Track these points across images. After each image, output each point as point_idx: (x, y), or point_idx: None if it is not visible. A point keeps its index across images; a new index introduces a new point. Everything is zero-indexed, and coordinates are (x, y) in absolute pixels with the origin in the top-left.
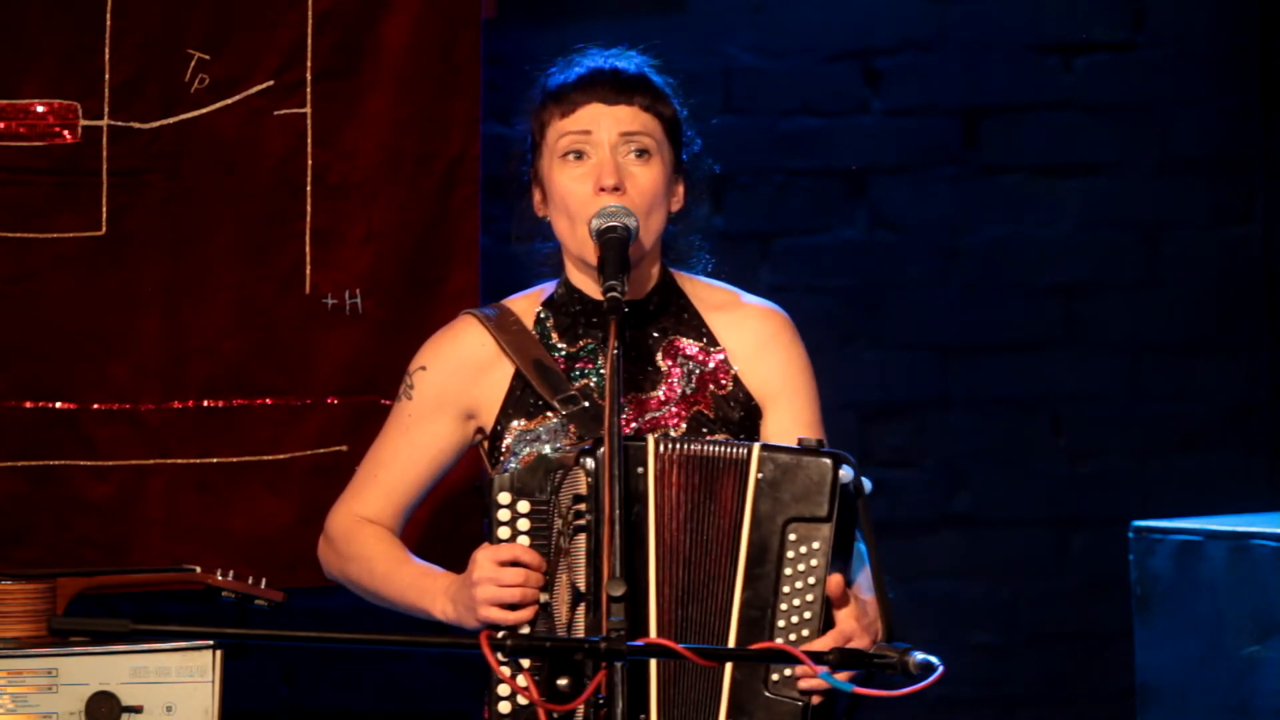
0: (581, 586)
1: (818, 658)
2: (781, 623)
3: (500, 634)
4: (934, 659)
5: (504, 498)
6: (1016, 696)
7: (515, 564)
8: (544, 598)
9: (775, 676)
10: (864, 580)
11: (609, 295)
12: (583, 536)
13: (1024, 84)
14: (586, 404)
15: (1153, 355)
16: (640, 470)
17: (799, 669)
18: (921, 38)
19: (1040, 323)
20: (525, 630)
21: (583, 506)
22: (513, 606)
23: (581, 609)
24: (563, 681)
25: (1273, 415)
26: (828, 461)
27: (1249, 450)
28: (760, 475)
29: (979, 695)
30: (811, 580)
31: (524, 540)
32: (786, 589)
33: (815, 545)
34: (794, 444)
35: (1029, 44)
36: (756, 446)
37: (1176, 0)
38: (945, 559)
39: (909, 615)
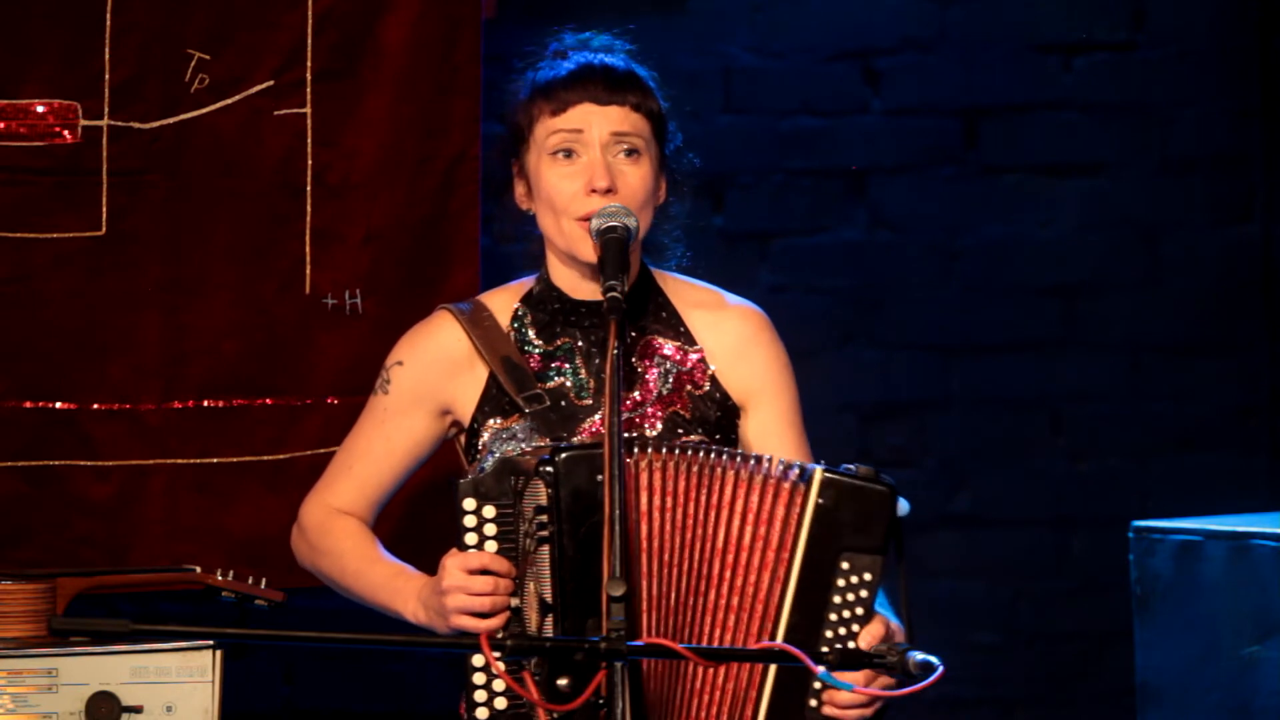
0: (548, 598)
1: (817, 657)
2: (825, 650)
3: (499, 634)
4: (934, 659)
5: (469, 503)
6: (1016, 696)
7: (484, 572)
8: (514, 602)
9: (813, 702)
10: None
11: (609, 295)
12: (546, 548)
13: (1024, 84)
14: (562, 403)
15: (1153, 355)
16: (599, 478)
17: (825, 696)
18: (921, 38)
19: (1040, 323)
20: (501, 634)
21: (545, 518)
22: (484, 614)
23: (550, 620)
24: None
25: (1273, 415)
26: (886, 492)
27: (1249, 450)
28: (821, 501)
29: (979, 695)
30: (860, 611)
31: (491, 545)
32: (833, 616)
33: (867, 577)
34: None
35: (1029, 44)
36: (819, 470)
37: (1176, 0)
38: (945, 559)
39: (909, 615)
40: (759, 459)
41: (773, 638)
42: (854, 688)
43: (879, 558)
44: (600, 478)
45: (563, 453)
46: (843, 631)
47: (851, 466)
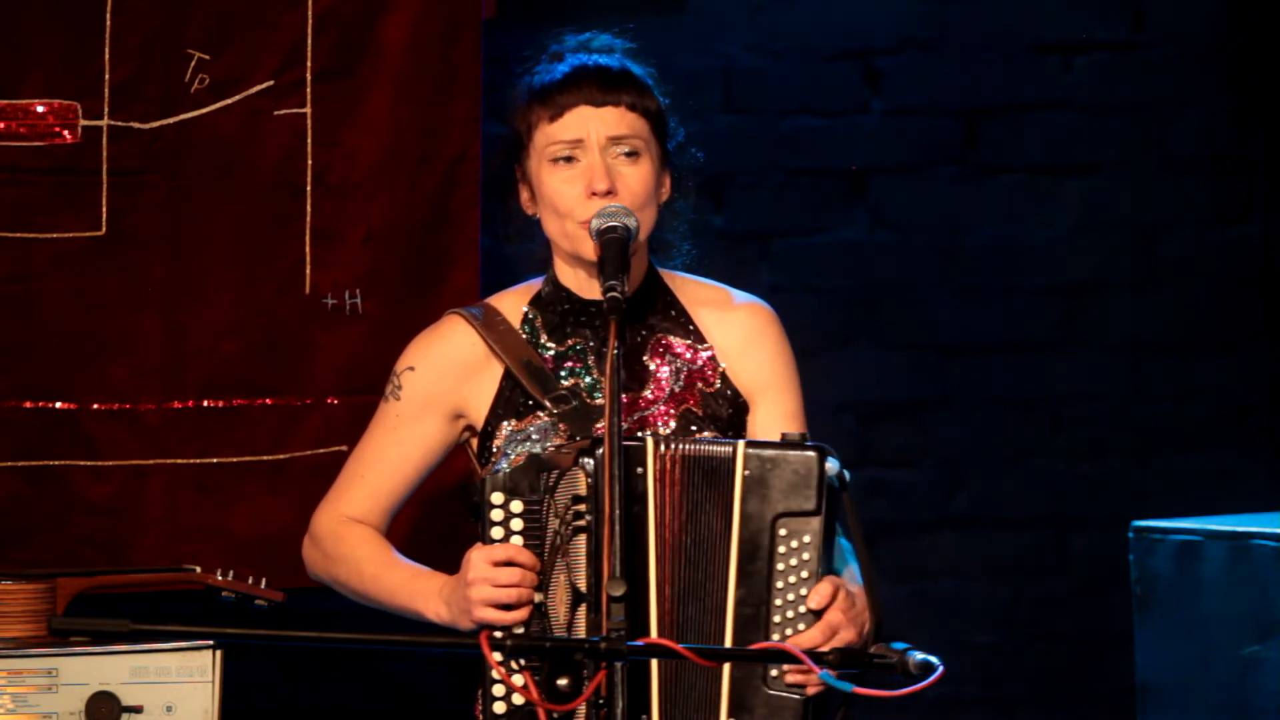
0: (582, 587)
1: (818, 658)
2: (777, 618)
3: (499, 633)
4: (934, 659)
5: (497, 498)
6: (1016, 696)
7: (510, 564)
8: (538, 598)
9: (774, 672)
10: (848, 572)
11: (609, 295)
12: (583, 538)
13: (1024, 84)
14: (576, 403)
15: (1153, 355)
16: (640, 470)
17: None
18: (921, 38)
19: (1040, 323)
20: (520, 630)
21: (582, 508)
22: (508, 607)
23: (582, 610)
24: (563, 681)
25: (1273, 415)
26: (813, 454)
27: (1249, 450)
28: (747, 472)
29: (979, 695)
30: (805, 574)
31: (517, 540)
32: (780, 584)
33: (806, 539)
34: (777, 438)
35: (1029, 44)
36: (741, 444)
37: (1176, 0)
38: (945, 559)
39: (909, 615)
40: (712, 442)
41: (724, 611)
42: (853, 688)
43: (815, 518)
44: (640, 469)
45: (602, 446)
46: (791, 596)
47: (787, 433)
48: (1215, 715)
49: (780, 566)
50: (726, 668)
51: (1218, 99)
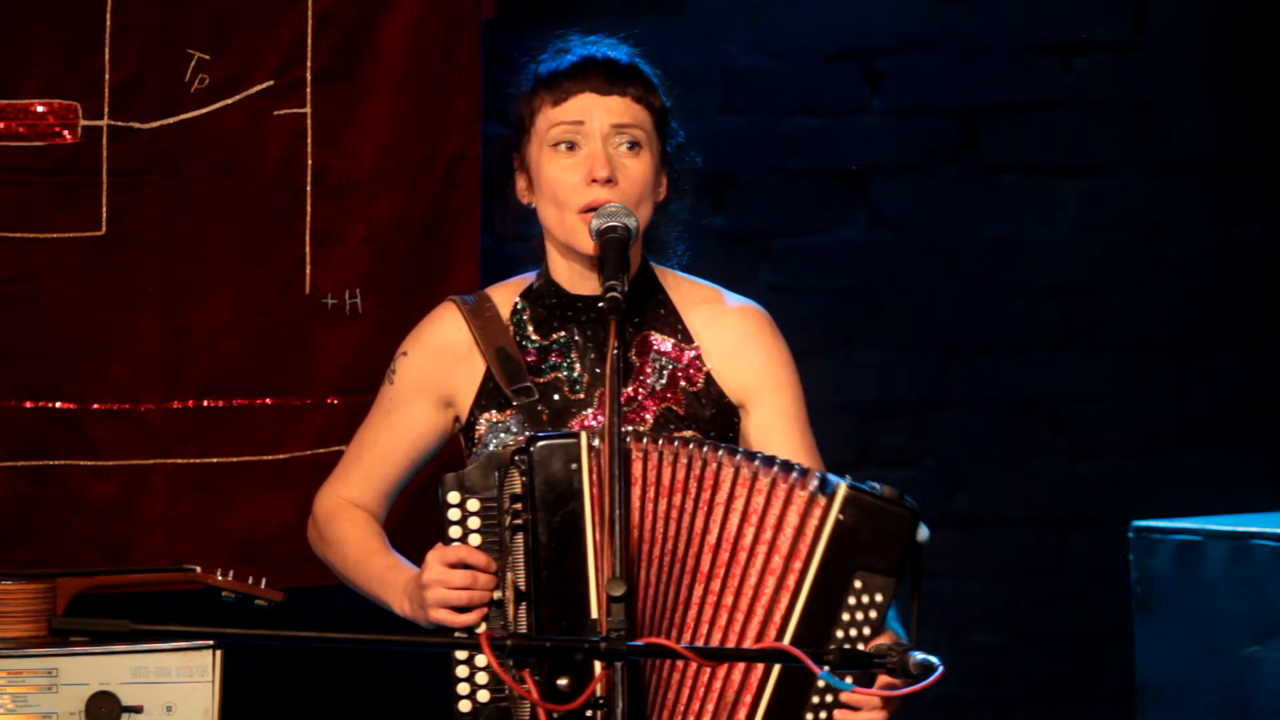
0: (522, 586)
1: (817, 658)
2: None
3: (479, 628)
4: (934, 659)
5: (454, 497)
6: (1016, 696)
7: (464, 565)
8: (497, 595)
9: (809, 716)
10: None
11: (609, 295)
12: (521, 536)
13: (1024, 84)
14: (555, 397)
15: (1153, 355)
16: (574, 466)
17: (838, 715)
18: (921, 38)
19: (1040, 323)
20: (482, 628)
21: (519, 506)
22: (463, 609)
23: (524, 609)
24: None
25: (1273, 415)
26: (908, 515)
27: (1249, 450)
28: (841, 517)
29: (979, 695)
30: (867, 630)
31: (475, 539)
32: (840, 634)
33: (878, 598)
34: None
35: (1029, 44)
36: (842, 485)
37: (1176, 0)
38: (945, 559)
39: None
40: (768, 460)
41: (779, 640)
42: (853, 688)
43: (892, 580)
44: (574, 466)
45: (538, 441)
46: (848, 649)
47: (876, 486)
48: (1215, 715)
49: (845, 617)
50: (764, 700)
51: (1218, 99)
